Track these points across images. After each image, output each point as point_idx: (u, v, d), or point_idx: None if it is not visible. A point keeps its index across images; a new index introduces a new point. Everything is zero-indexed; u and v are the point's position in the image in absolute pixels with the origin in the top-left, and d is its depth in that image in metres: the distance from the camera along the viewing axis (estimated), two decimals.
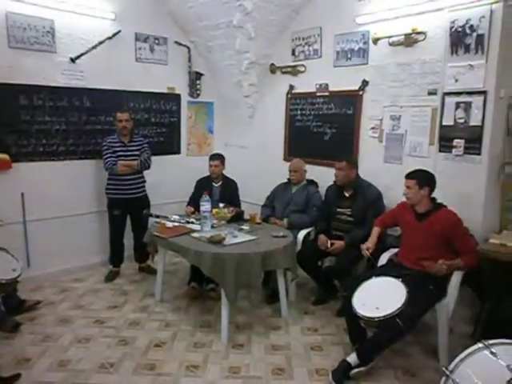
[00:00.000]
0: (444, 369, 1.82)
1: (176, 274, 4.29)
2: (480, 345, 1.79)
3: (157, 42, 4.59)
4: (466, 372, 1.76)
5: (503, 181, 3.15)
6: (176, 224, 3.57)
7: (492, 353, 1.71)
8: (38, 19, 3.76)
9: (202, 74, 4.98)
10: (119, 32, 4.24)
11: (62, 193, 4.10)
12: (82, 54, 4.02)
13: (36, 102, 3.87)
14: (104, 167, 3.98)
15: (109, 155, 3.94)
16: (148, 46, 4.53)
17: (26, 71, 3.76)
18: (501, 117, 3.06)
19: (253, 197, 4.59)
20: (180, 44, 4.76)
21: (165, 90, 4.76)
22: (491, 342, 1.76)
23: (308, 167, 4.05)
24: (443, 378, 1.81)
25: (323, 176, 3.99)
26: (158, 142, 4.78)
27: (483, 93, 2.99)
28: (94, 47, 4.09)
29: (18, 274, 3.15)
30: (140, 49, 4.47)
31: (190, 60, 4.86)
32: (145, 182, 4.18)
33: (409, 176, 2.85)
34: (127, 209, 4.10)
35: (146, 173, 4.18)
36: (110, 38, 4.18)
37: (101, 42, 4.13)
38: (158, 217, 3.76)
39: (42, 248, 3.99)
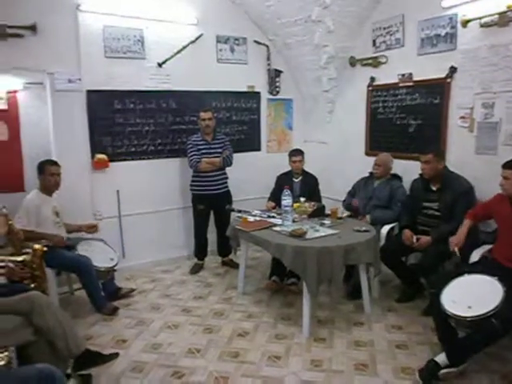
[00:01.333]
0: None
1: (257, 269, 4.38)
2: None
3: (237, 42, 4.72)
4: None
5: None
6: (258, 218, 3.64)
7: None
8: (129, 30, 4.07)
9: (281, 72, 5.02)
10: (201, 35, 4.44)
11: (151, 190, 4.39)
12: (167, 59, 4.27)
13: (128, 105, 4.18)
14: (189, 165, 4.19)
15: (193, 153, 4.13)
16: (228, 46, 4.68)
17: (120, 77, 4.08)
18: None
19: (334, 192, 4.54)
20: (259, 43, 4.85)
21: (245, 89, 4.88)
22: None
23: None
24: None
25: (407, 170, 3.82)
26: (240, 139, 4.91)
27: None
28: (178, 51, 4.31)
29: (115, 263, 3.48)
30: (221, 50, 4.64)
31: (268, 58, 4.93)
32: (227, 178, 4.33)
33: (507, 165, 2.64)
34: (210, 204, 4.26)
35: (228, 169, 4.31)
36: (193, 41, 4.39)
37: (184, 47, 4.35)
38: (240, 211, 3.87)
39: (134, 241, 4.32)
